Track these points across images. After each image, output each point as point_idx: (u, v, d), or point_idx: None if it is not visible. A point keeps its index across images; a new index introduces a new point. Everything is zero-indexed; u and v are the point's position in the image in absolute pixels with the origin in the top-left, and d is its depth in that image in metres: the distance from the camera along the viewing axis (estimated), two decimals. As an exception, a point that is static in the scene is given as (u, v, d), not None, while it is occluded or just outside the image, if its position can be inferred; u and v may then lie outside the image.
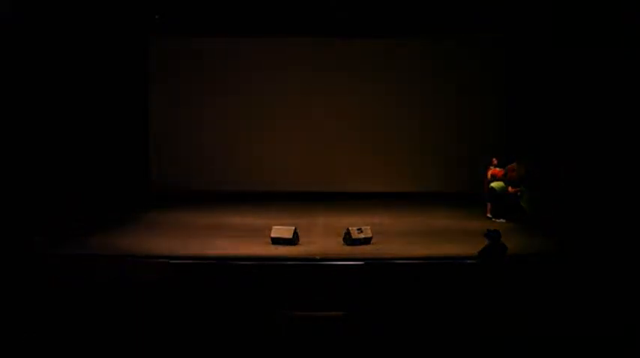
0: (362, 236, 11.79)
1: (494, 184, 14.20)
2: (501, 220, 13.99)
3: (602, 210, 13.28)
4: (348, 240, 11.80)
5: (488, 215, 14.35)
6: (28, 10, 13.34)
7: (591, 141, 14.24)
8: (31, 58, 13.56)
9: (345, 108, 17.13)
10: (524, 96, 16.26)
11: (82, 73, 15.10)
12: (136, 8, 15.63)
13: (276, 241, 11.79)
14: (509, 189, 14.12)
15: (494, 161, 14.47)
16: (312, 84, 17.19)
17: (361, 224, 12.24)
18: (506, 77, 16.74)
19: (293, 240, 11.77)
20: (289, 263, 10.58)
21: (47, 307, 8.94)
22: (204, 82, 17.10)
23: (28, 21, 13.40)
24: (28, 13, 13.37)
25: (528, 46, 16.11)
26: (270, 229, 12.01)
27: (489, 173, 14.36)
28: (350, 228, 11.91)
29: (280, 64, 17.12)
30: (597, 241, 11.61)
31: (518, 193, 14.06)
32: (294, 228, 11.91)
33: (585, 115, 14.42)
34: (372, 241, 11.87)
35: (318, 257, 10.89)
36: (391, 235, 12.63)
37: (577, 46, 14.58)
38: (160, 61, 17.05)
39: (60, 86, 14.43)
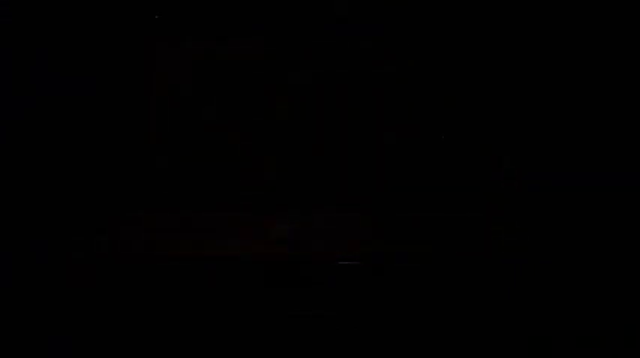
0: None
1: None
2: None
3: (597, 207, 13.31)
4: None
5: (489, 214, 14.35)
6: (28, 11, 13.39)
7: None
8: (31, 59, 13.61)
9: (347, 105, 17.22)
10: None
11: (84, 73, 15.16)
12: (137, 10, 15.70)
13: (276, 241, 11.78)
14: None
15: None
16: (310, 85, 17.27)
17: (361, 224, 12.25)
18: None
19: (293, 240, 11.76)
20: (289, 263, 10.59)
21: (48, 308, 8.97)
22: (207, 83, 17.17)
23: (29, 23, 13.46)
24: (28, 14, 13.42)
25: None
26: (270, 229, 12.01)
27: None
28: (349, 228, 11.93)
29: (280, 65, 17.19)
30: (595, 240, 11.64)
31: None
32: (294, 228, 11.90)
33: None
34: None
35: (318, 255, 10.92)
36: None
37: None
38: (161, 61, 17.13)
39: (61, 87, 14.48)
